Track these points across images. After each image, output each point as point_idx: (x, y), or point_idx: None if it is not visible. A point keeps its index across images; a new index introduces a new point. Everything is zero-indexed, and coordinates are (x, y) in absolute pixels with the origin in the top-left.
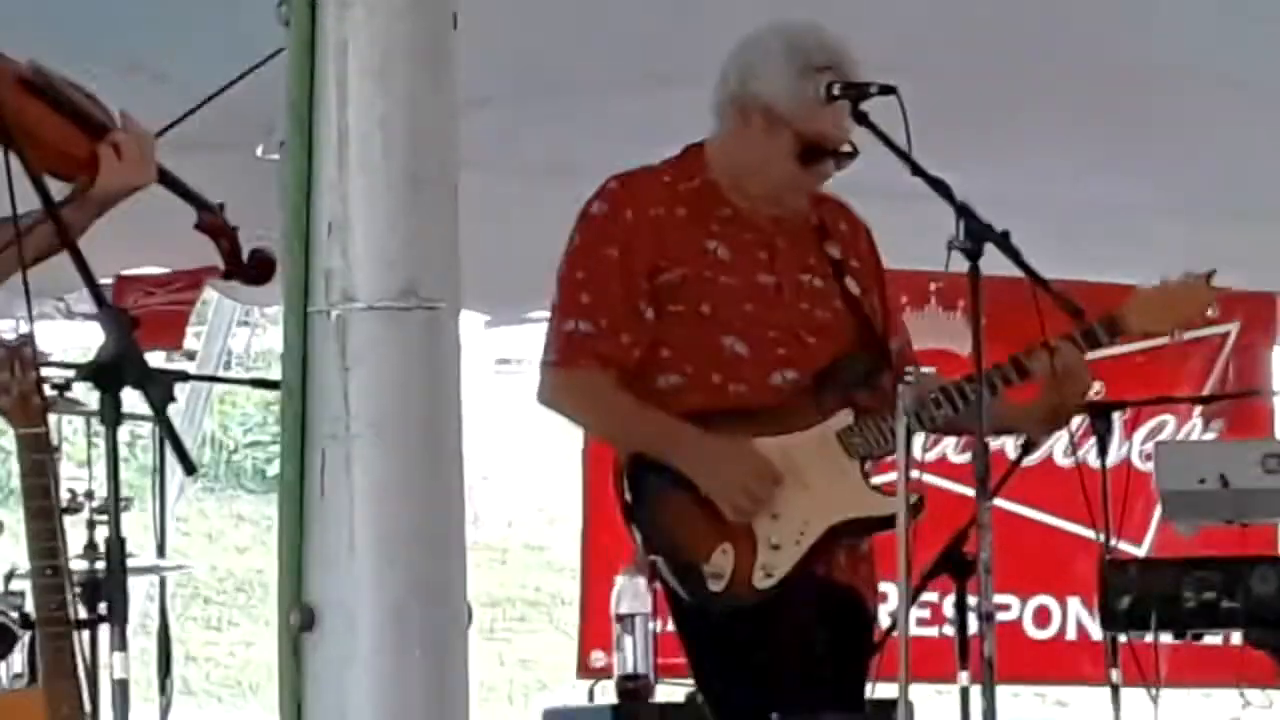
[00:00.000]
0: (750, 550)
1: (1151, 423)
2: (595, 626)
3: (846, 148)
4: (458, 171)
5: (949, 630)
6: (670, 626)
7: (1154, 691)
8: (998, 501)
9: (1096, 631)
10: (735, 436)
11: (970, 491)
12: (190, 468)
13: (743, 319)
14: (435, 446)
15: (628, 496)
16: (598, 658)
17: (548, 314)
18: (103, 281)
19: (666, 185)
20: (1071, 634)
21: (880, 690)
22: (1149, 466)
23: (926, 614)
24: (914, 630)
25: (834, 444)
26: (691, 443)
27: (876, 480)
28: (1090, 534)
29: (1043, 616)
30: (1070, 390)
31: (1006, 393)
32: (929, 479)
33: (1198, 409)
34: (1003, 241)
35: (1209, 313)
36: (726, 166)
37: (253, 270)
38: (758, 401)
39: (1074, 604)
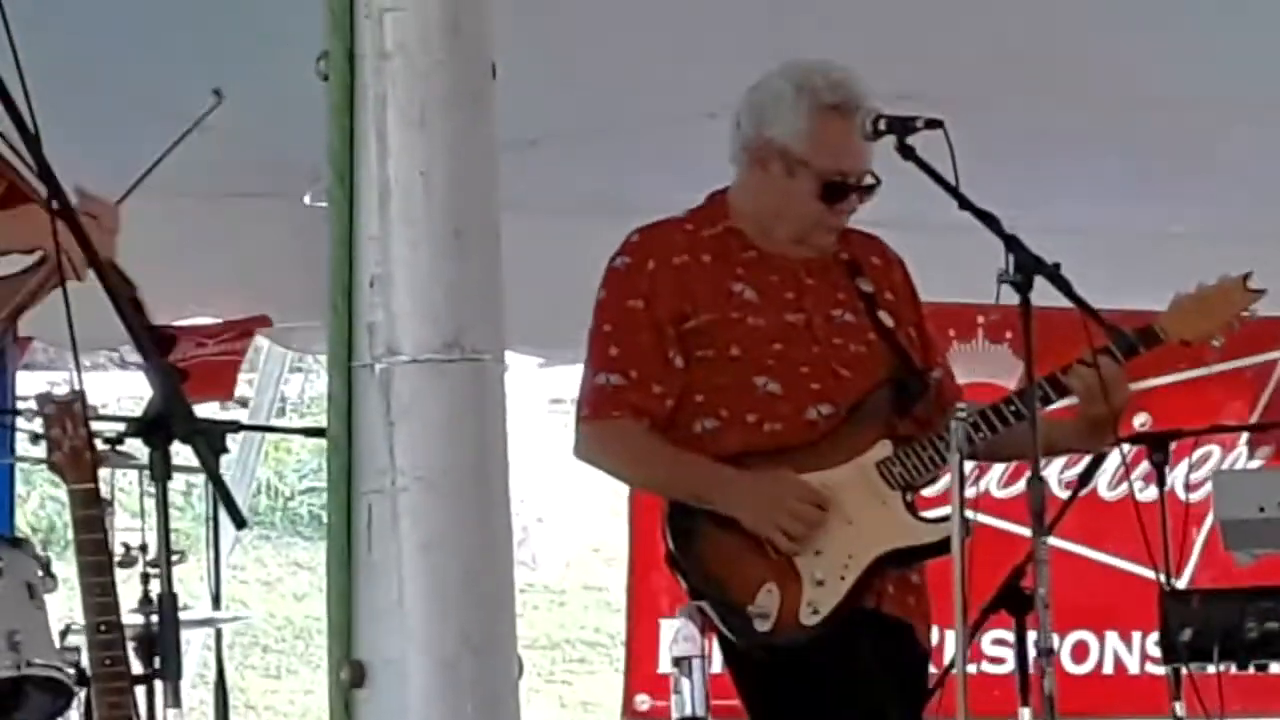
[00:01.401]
0: (796, 588)
1: (1197, 453)
2: (641, 669)
3: (869, 180)
4: (499, 221)
5: (986, 667)
6: (721, 667)
7: None
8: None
9: (1134, 665)
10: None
11: (1014, 527)
12: (240, 522)
13: (774, 358)
14: (483, 498)
15: (670, 544)
16: (642, 700)
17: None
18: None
19: (689, 233)
20: (1109, 668)
21: None
22: (1193, 497)
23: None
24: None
25: (874, 475)
26: (730, 482)
27: (926, 514)
28: (1131, 567)
29: (1081, 651)
30: (1110, 403)
31: (1046, 413)
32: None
33: (1243, 437)
34: (1053, 274)
35: (1247, 314)
36: (749, 212)
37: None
38: (795, 438)
39: (1111, 638)
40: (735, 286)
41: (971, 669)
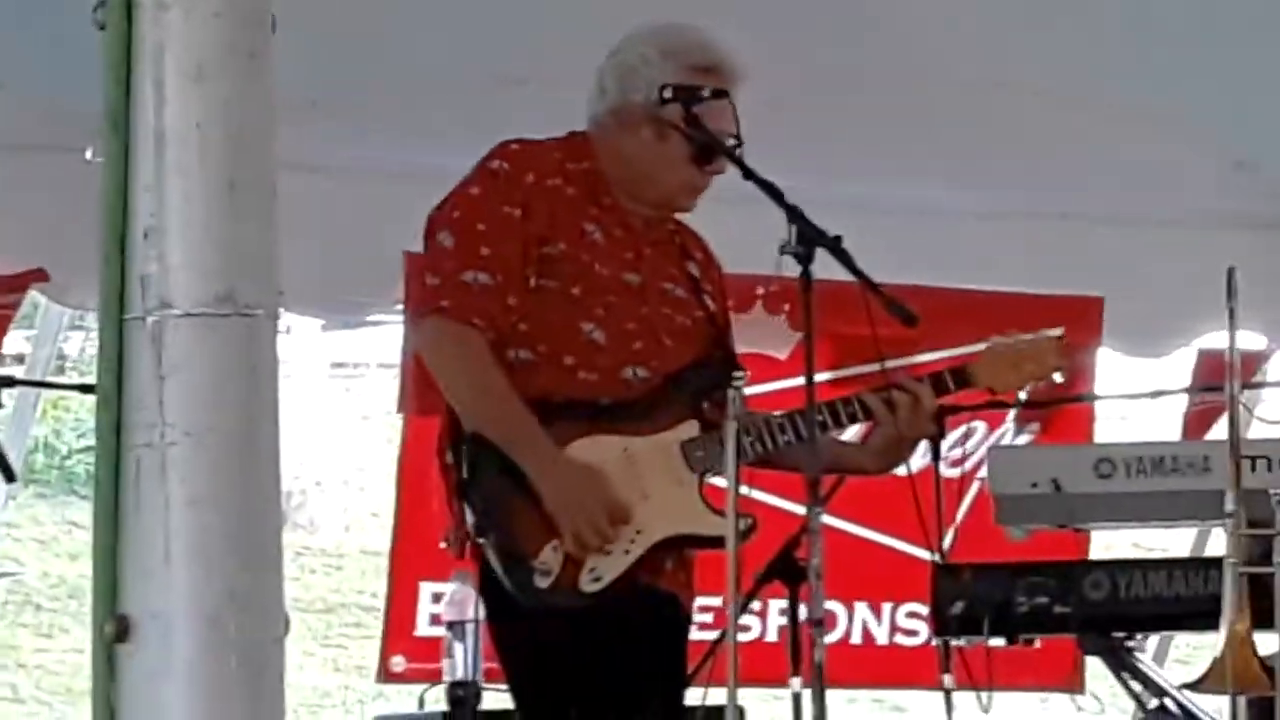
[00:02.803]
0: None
1: (960, 429)
2: (399, 631)
3: (732, 141)
4: (276, 176)
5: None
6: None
7: (984, 697)
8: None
9: (882, 636)
10: (588, 451)
11: (775, 500)
12: (10, 475)
13: (605, 308)
14: (251, 455)
15: (465, 472)
16: (398, 662)
17: (386, 316)
18: None
19: (558, 161)
20: (856, 638)
21: (714, 695)
22: (953, 473)
23: (753, 620)
24: (742, 636)
25: (676, 454)
26: (549, 458)
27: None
28: (883, 539)
29: (830, 621)
30: (913, 428)
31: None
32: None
33: (1011, 412)
34: (835, 246)
35: (1057, 376)
36: (615, 172)
37: None
38: (606, 393)
39: (861, 608)
40: (589, 227)
41: (746, 637)
